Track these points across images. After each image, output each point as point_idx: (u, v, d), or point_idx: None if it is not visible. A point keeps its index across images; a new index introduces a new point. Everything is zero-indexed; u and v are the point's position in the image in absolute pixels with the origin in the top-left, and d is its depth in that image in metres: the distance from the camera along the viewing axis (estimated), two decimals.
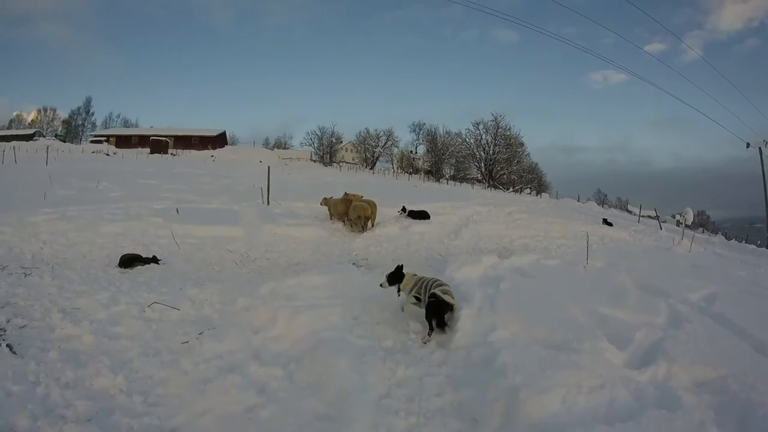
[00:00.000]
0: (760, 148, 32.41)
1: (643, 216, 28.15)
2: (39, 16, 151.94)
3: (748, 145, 33.47)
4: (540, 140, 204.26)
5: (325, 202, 15.85)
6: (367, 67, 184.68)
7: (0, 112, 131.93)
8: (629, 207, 37.21)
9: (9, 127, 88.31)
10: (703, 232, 28.56)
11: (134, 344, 5.60)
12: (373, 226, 14.69)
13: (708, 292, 7.93)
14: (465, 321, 6.19)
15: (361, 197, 15.34)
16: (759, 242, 26.56)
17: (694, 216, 20.32)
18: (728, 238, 27.21)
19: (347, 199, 15.21)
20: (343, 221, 14.88)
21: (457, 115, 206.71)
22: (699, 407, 4.23)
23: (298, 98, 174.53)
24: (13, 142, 56.28)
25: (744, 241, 25.31)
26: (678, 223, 23.40)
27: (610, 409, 4.28)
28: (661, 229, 21.90)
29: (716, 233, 32.58)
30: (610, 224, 20.14)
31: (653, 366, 5.04)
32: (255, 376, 5.20)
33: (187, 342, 5.80)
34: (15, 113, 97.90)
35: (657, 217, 25.70)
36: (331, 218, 15.30)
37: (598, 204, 47.59)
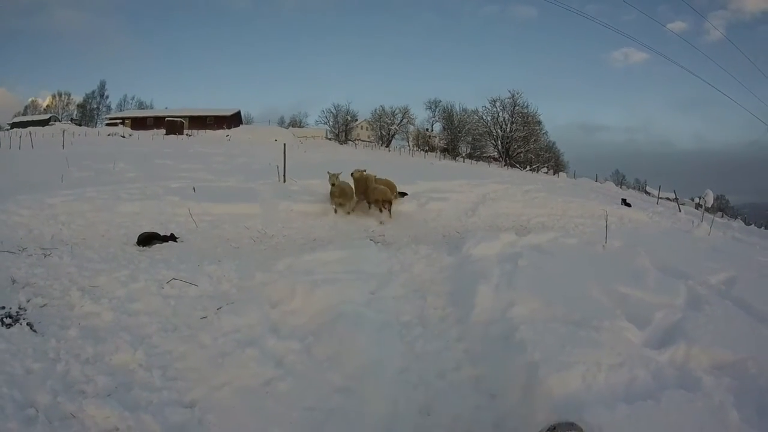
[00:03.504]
0: None
1: (661, 198, 27.84)
2: (54, 2, 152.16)
3: None
4: (558, 119, 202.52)
5: (335, 179, 12.93)
6: (383, 44, 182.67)
7: (15, 98, 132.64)
8: (648, 188, 36.76)
9: (25, 113, 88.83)
10: (722, 216, 28.19)
11: (153, 320, 5.64)
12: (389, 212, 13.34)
13: (728, 276, 7.78)
14: (483, 297, 6.14)
15: (375, 176, 13.75)
16: None
17: (713, 199, 20.04)
18: (747, 224, 26.84)
19: (366, 178, 13.28)
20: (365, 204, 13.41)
21: (474, 92, 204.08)
22: (718, 389, 4.16)
23: (313, 76, 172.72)
24: (30, 128, 56.81)
25: (764, 227, 24.91)
26: (697, 206, 23.15)
27: (630, 388, 4.23)
28: (680, 211, 21.65)
29: (735, 218, 32.15)
30: (629, 205, 19.89)
31: (673, 346, 4.96)
32: (273, 349, 5.22)
33: (205, 317, 5.84)
34: (30, 99, 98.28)
35: (676, 199, 25.42)
36: (338, 202, 13.04)
37: (617, 185, 47.18)
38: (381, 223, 12.67)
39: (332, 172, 12.97)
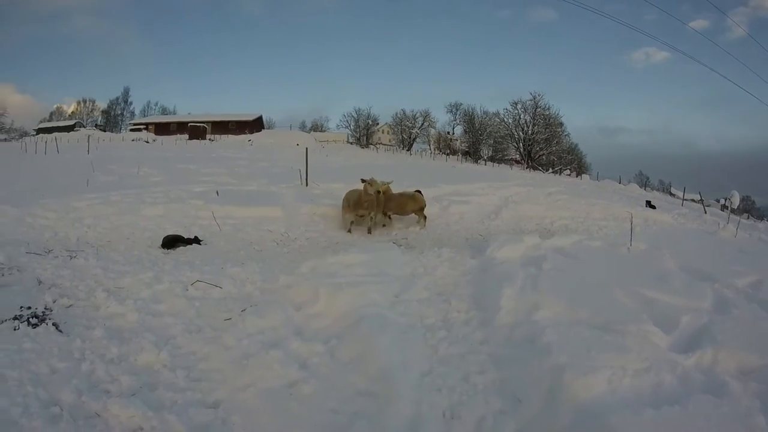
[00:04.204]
0: None
1: (686, 199, 27.54)
2: (76, 11, 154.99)
3: None
4: (579, 121, 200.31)
5: (379, 186, 11.66)
6: (403, 48, 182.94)
7: (41, 105, 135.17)
8: (672, 190, 36.38)
9: (50, 120, 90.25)
10: (748, 217, 27.76)
11: (177, 321, 5.69)
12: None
13: (755, 278, 7.67)
14: (507, 300, 6.11)
15: (388, 184, 12.35)
16: None
17: (739, 200, 19.78)
18: None
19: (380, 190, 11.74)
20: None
21: (494, 95, 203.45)
22: (745, 395, 4.11)
23: (333, 81, 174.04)
24: (55, 134, 57.61)
25: None
26: (723, 208, 22.86)
27: (656, 393, 4.19)
28: (705, 212, 21.37)
29: (762, 219, 31.63)
30: (654, 207, 19.70)
31: (699, 351, 4.89)
32: (297, 351, 5.21)
33: (229, 319, 5.86)
34: (56, 106, 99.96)
35: (701, 201, 25.12)
36: (362, 214, 11.82)
37: (640, 186, 46.74)
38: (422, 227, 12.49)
39: (369, 179, 11.71)
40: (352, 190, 12.29)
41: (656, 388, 4.25)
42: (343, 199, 12.28)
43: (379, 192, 11.63)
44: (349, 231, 11.79)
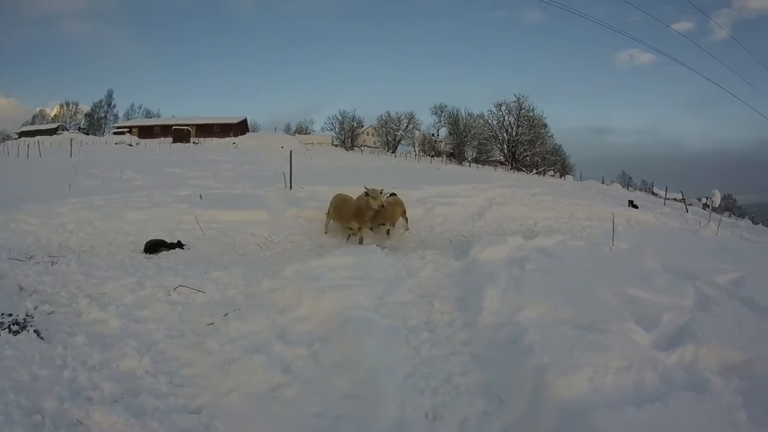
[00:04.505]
0: None
1: (668, 199, 27.78)
2: (62, 14, 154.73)
3: None
4: (566, 122, 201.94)
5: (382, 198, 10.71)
6: (388, 50, 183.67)
7: (25, 108, 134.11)
8: (655, 189, 36.71)
9: (33, 123, 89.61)
10: (729, 216, 28.07)
11: (160, 327, 5.65)
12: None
13: (736, 276, 7.78)
14: (490, 301, 6.12)
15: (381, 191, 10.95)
16: None
17: (721, 199, 19.99)
18: (755, 223, 26.73)
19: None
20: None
21: (480, 97, 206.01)
22: (727, 391, 4.16)
23: (318, 83, 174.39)
24: (38, 137, 57.21)
25: None
26: (705, 206, 23.07)
27: (638, 391, 4.22)
28: (687, 212, 21.58)
29: (743, 217, 32.01)
30: (636, 206, 19.89)
31: (681, 348, 4.95)
32: (280, 355, 5.20)
33: (212, 323, 5.83)
34: (38, 109, 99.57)
35: (683, 200, 25.34)
36: (358, 226, 10.91)
37: (623, 186, 47.18)
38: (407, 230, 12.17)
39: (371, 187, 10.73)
40: (341, 195, 11.74)
41: (638, 386, 4.27)
42: (332, 204, 11.70)
43: (382, 206, 10.60)
44: (348, 239, 11.21)
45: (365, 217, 10.73)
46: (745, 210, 48.64)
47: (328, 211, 11.83)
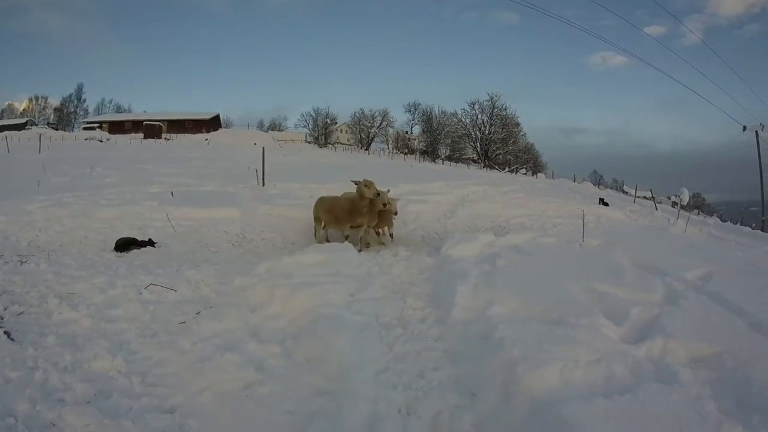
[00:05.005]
0: (756, 132, 32.62)
1: (638, 197, 28.20)
2: (29, 4, 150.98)
3: (744, 128, 33.72)
4: (539, 121, 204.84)
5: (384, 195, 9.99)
6: (363, 48, 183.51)
7: None
8: (625, 187, 37.25)
9: (1, 117, 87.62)
10: (698, 213, 28.60)
11: (132, 326, 5.59)
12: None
13: (704, 271, 7.91)
14: (462, 297, 6.22)
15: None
16: (754, 225, 26.46)
17: (689, 197, 20.38)
18: (723, 221, 27.26)
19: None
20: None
21: (454, 96, 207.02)
22: (696, 382, 4.25)
23: (293, 80, 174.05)
24: (5, 132, 55.96)
25: (739, 224, 25.29)
26: (674, 204, 23.46)
27: (608, 383, 4.30)
28: (656, 209, 21.92)
29: (711, 215, 32.63)
30: (607, 204, 20.21)
31: (650, 341, 5.05)
32: (253, 353, 5.19)
33: (184, 322, 5.79)
34: (6, 103, 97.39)
35: (653, 198, 25.74)
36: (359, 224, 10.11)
37: (594, 184, 47.77)
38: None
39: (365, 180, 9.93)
40: (327, 197, 11.05)
41: (608, 379, 4.35)
42: (320, 209, 10.74)
43: (378, 194, 9.80)
44: (345, 242, 9.80)
45: (362, 210, 9.89)
46: (714, 208, 49.71)
47: (317, 217, 10.87)
